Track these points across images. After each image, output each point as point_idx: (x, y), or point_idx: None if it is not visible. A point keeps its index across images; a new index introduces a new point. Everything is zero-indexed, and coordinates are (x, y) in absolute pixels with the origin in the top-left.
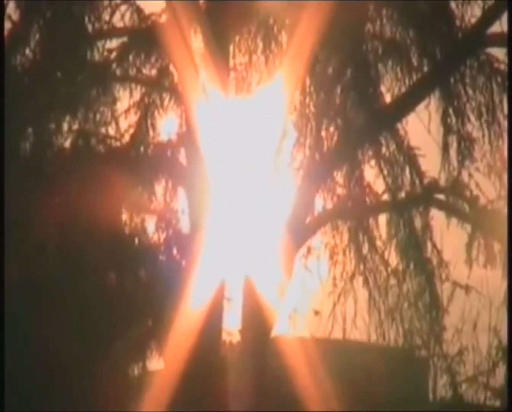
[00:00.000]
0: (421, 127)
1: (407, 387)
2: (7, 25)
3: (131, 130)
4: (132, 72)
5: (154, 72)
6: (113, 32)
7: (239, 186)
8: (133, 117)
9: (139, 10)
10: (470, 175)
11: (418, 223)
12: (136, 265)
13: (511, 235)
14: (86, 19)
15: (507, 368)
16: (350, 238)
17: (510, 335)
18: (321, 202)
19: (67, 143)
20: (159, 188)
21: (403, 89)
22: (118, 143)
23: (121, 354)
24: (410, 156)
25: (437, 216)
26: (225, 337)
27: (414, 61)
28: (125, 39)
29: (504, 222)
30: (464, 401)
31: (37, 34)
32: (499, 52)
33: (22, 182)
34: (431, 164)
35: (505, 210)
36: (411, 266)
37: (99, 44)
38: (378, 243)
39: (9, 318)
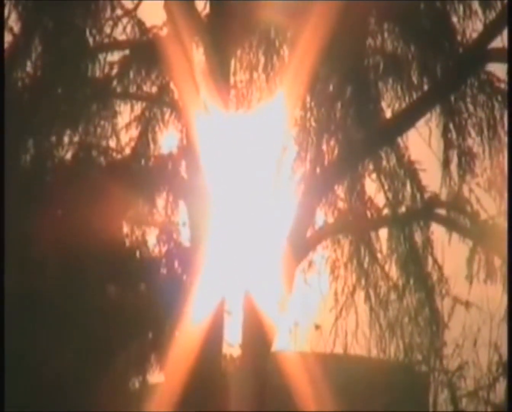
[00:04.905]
0: (422, 142)
1: (407, 402)
2: (8, 37)
3: (132, 144)
4: (133, 87)
5: (155, 87)
6: (114, 45)
7: (239, 200)
8: (134, 131)
9: (140, 23)
10: (470, 190)
11: (418, 237)
12: (137, 278)
13: (511, 250)
14: (88, 32)
15: (507, 382)
16: (351, 252)
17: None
18: (322, 216)
19: (68, 156)
20: (160, 201)
21: (404, 105)
22: (119, 156)
23: (121, 367)
24: (410, 171)
25: (437, 231)
26: (225, 350)
27: (415, 76)
28: (126, 52)
29: (505, 237)
30: None
31: (38, 47)
32: (500, 69)
33: (22, 195)
34: (431, 179)
35: (505, 225)
36: (412, 281)
37: (101, 57)
38: (379, 257)
39: (9, 331)
